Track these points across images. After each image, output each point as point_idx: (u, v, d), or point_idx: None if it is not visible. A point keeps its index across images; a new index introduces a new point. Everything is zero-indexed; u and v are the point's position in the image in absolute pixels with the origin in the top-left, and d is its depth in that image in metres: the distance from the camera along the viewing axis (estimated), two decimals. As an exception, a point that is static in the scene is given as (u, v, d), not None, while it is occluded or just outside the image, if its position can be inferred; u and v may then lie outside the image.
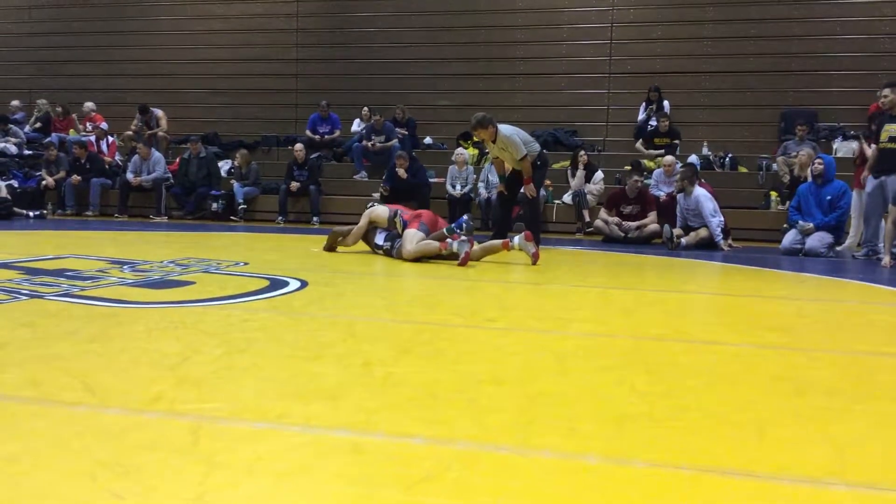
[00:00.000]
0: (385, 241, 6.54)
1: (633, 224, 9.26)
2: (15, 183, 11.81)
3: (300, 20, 14.40)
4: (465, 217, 6.23)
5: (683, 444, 1.99)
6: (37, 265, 5.38)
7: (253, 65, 14.41)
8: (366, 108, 12.55)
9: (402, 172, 10.32)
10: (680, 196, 8.95)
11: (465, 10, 13.53)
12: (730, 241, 8.70)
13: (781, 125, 11.81)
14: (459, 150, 11.34)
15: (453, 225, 6.18)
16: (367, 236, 6.76)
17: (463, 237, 6.00)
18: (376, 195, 10.62)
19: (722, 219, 8.69)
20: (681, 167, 9.71)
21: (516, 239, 6.29)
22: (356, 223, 6.88)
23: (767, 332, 3.70)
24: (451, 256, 6.01)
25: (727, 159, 11.44)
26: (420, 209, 7.10)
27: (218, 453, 1.83)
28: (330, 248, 6.87)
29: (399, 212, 6.50)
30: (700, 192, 8.77)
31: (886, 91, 7.63)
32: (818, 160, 8.42)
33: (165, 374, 2.53)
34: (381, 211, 6.68)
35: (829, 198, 8.19)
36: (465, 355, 2.98)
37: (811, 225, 8.11)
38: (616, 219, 9.40)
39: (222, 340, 3.08)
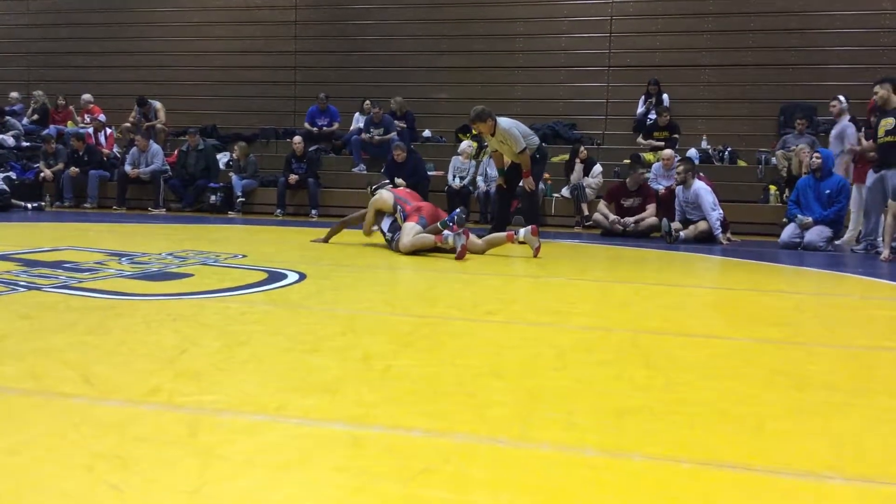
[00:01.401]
0: (388, 230, 6.55)
1: (631, 219, 9.26)
2: (13, 175, 11.79)
3: (298, 12, 14.36)
4: (457, 210, 6.20)
5: (682, 437, 1.99)
6: (35, 257, 5.37)
7: (251, 57, 14.37)
8: (367, 102, 12.51)
9: (400, 181, 10.30)
10: (679, 189, 8.95)
11: (464, 2, 13.50)
12: (728, 235, 8.70)
13: (781, 119, 11.81)
14: (466, 142, 11.32)
15: (446, 219, 6.17)
16: (375, 220, 6.81)
17: (459, 230, 5.99)
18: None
19: (721, 212, 8.69)
20: (678, 161, 9.70)
21: (522, 231, 6.31)
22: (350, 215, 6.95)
23: (766, 327, 3.70)
24: (452, 250, 6.01)
25: (726, 153, 11.44)
26: (424, 202, 7.10)
27: (216, 446, 1.82)
28: (326, 239, 6.99)
29: (400, 207, 6.49)
30: (700, 185, 8.77)
31: (877, 88, 7.67)
32: (816, 154, 8.42)
33: (164, 367, 2.53)
34: (386, 197, 6.65)
35: (827, 192, 8.19)
36: (465, 349, 2.98)
37: (810, 219, 8.12)
38: (614, 216, 9.39)
39: (221, 333, 3.08)
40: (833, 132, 9.17)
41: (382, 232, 6.65)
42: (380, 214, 6.74)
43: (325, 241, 7.01)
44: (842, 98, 9.20)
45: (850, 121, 9.21)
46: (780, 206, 9.93)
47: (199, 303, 3.76)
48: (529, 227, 6.35)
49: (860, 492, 1.69)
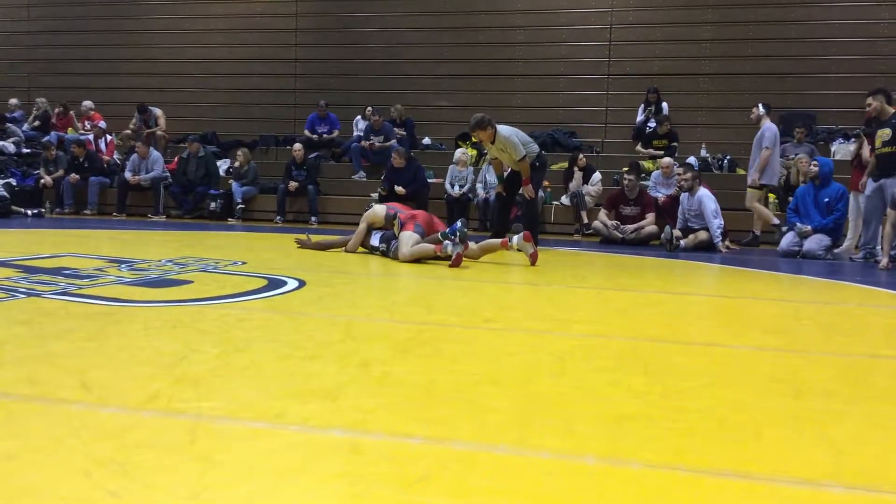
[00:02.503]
0: (380, 242, 6.54)
1: (630, 227, 9.27)
2: (13, 181, 11.80)
3: (299, 20, 14.40)
4: (458, 224, 6.14)
5: (680, 445, 1.99)
6: (35, 263, 5.37)
7: (252, 64, 14.40)
8: (369, 108, 12.52)
9: (399, 189, 10.30)
10: (683, 196, 8.97)
11: (464, 10, 13.54)
12: (727, 243, 8.71)
13: (780, 127, 11.81)
14: (461, 150, 11.35)
15: (447, 230, 6.16)
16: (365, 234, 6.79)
17: (457, 242, 5.96)
18: (374, 195, 10.62)
19: (722, 221, 8.70)
20: (678, 168, 9.73)
21: (515, 238, 6.30)
22: (356, 223, 6.95)
23: (765, 334, 3.70)
24: (449, 258, 6.00)
25: (725, 161, 11.45)
26: (417, 210, 7.11)
27: (215, 452, 1.82)
28: (303, 244, 6.99)
29: (397, 212, 6.51)
30: (704, 192, 8.79)
31: (870, 100, 7.72)
32: (813, 163, 8.45)
33: (163, 373, 2.53)
34: (378, 211, 6.70)
35: (826, 200, 8.20)
36: (463, 355, 2.98)
37: (809, 227, 8.12)
38: (614, 222, 9.40)
39: (220, 339, 3.08)
40: (756, 137, 9.34)
41: (373, 248, 6.63)
42: (369, 230, 6.74)
43: (308, 245, 6.99)
44: (760, 106, 9.44)
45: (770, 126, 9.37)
46: (779, 214, 9.93)
47: (199, 309, 3.77)
48: (522, 233, 6.33)
49: (858, 499, 1.69)
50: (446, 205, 10.75)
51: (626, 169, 9.85)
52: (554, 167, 10.90)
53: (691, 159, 11.13)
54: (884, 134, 7.56)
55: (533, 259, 6.21)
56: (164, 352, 2.84)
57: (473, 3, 13.54)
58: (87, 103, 13.68)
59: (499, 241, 6.43)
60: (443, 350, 3.07)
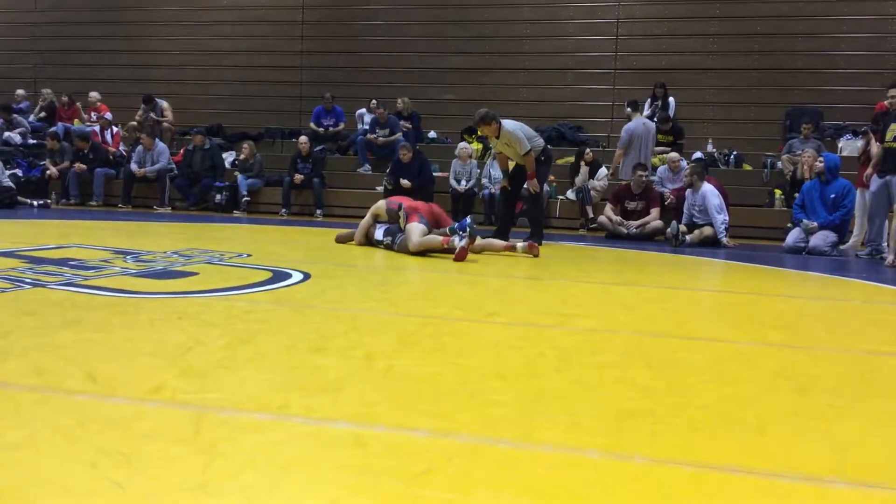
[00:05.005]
0: (385, 235, 6.55)
1: (635, 223, 9.25)
2: (19, 172, 11.83)
3: (305, 12, 14.38)
4: (467, 220, 6.13)
5: (684, 440, 1.99)
6: (40, 254, 5.39)
7: (258, 56, 14.39)
8: (374, 101, 12.50)
9: (405, 183, 10.28)
10: (688, 191, 8.95)
11: (471, 3, 13.50)
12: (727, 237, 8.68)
13: (787, 123, 11.78)
14: (462, 144, 11.32)
15: (456, 226, 6.16)
16: (368, 231, 6.80)
17: (465, 238, 5.97)
18: (380, 189, 10.61)
19: (727, 217, 8.67)
20: (686, 164, 9.71)
21: (519, 246, 6.48)
22: (361, 216, 6.97)
23: (769, 330, 3.70)
24: (454, 251, 6.01)
25: (732, 157, 11.42)
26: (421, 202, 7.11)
27: (220, 443, 1.83)
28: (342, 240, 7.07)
29: (401, 205, 6.52)
30: (707, 188, 8.77)
31: (893, 91, 7.63)
32: (819, 159, 8.41)
33: (168, 364, 2.54)
34: (381, 204, 6.72)
35: (832, 196, 8.17)
36: (467, 349, 2.98)
37: (815, 224, 8.10)
38: (619, 217, 9.39)
39: (225, 331, 3.09)
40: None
41: (377, 241, 6.63)
42: (373, 224, 6.76)
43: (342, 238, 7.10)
44: (626, 102, 10.03)
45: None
46: (785, 210, 9.91)
47: (204, 301, 3.77)
48: (527, 243, 6.55)
49: (861, 496, 1.69)
50: (451, 199, 10.74)
51: (633, 165, 9.84)
52: (560, 162, 10.88)
53: (698, 154, 11.11)
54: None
55: (534, 254, 6.38)
56: (169, 343, 2.85)
57: (480, -4, 13.52)
58: (94, 94, 13.69)
59: (503, 243, 6.55)
60: (447, 344, 3.07)
